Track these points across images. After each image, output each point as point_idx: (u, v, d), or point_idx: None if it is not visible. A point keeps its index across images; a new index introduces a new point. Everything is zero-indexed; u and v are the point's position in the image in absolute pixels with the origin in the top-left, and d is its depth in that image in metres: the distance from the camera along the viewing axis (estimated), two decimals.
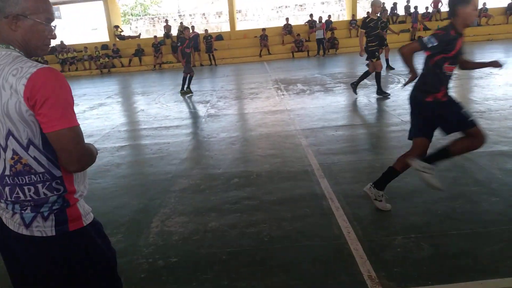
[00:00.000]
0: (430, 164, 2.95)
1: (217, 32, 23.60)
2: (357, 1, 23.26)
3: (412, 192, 3.57)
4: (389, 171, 3.16)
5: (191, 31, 19.75)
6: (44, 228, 1.32)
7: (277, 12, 34.39)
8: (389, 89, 8.83)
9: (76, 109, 1.30)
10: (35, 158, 1.29)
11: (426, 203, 3.28)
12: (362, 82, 8.37)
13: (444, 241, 2.71)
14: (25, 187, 1.31)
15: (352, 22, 21.17)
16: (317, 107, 7.50)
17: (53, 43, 1.48)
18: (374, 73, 7.98)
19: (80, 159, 1.30)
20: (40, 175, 1.30)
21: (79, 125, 1.29)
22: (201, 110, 8.41)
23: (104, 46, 21.92)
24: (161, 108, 8.90)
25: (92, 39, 28.63)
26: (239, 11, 31.69)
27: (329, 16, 22.17)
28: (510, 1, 20.97)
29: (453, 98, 2.99)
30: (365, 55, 8.08)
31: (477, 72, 10.11)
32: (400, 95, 7.85)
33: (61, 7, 24.53)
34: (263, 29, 21.06)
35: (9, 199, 1.34)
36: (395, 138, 5.27)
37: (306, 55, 19.94)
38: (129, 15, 41.25)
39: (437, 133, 3.08)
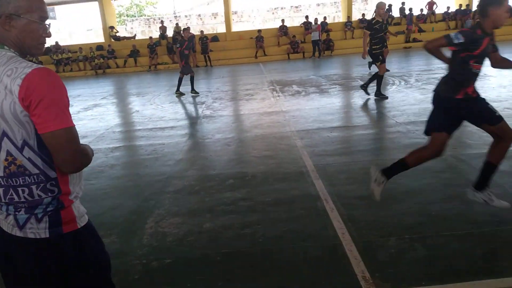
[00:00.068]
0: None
1: (212, 33, 23.59)
2: (353, 3, 23.36)
3: (406, 193, 3.58)
4: (400, 163, 3.09)
5: (188, 31, 19.86)
6: (38, 230, 1.31)
7: (273, 13, 34.44)
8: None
9: (71, 110, 1.29)
10: (29, 159, 1.27)
11: (420, 204, 3.30)
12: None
13: (437, 242, 2.72)
14: (19, 189, 1.29)
15: (348, 24, 21.25)
16: (312, 109, 7.51)
17: (48, 43, 1.46)
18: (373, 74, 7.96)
19: (76, 160, 1.29)
20: (35, 176, 1.29)
21: (74, 125, 1.28)
22: (197, 111, 8.41)
23: (99, 46, 21.84)
24: (156, 109, 8.88)
25: (87, 40, 28.56)
26: (235, 13, 31.70)
27: (325, 17, 22.22)
28: None
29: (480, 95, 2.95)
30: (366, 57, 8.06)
31: None
32: (395, 97, 7.88)
33: (56, 7, 24.44)
34: (259, 31, 21.08)
35: (2, 200, 1.32)
36: (390, 140, 5.30)
37: (302, 56, 19.98)
38: (124, 16, 41.14)
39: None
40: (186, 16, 35.30)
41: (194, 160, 5.04)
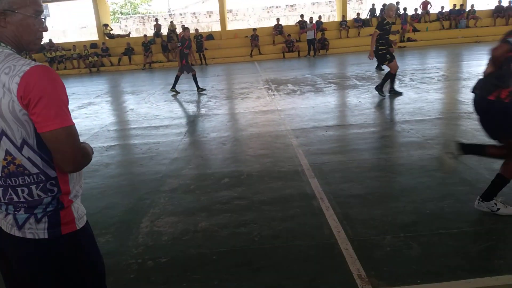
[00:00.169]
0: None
1: (207, 32, 23.52)
2: (347, 2, 23.41)
3: (401, 191, 3.60)
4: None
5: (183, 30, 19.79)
6: (37, 230, 1.30)
7: (268, 12, 34.43)
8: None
9: None
10: (29, 159, 1.26)
11: (415, 203, 3.31)
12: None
13: (433, 240, 2.73)
14: (18, 189, 1.28)
15: (342, 23, 21.29)
16: (308, 107, 7.52)
17: (42, 41, 1.42)
18: (374, 68, 7.85)
19: (76, 159, 1.27)
20: (34, 176, 1.27)
21: (74, 124, 1.26)
22: (192, 109, 8.38)
23: (93, 44, 21.72)
24: (151, 107, 8.84)
25: (81, 38, 28.38)
26: (230, 11, 31.65)
27: (320, 16, 22.25)
28: (498, 4, 21.28)
29: None
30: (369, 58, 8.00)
31: (465, 73, 10.25)
32: (390, 97, 7.90)
33: (50, 5, 24.23)
34: (254, 29, 21.07)
35: (2, 200, 1.31)
36: (385, 138, 5.31)
37: (297, 55, 19.99)
38: (118, 14, 40.92)
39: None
40: (181, 14, 35.20)
41: (190, 159, 5.02)
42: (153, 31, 22.43)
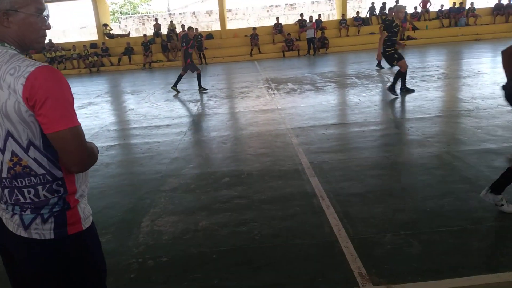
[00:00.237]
0: None
1: (207, 31, 23.50)
2: (347, 1, 23.37)
3: (401, 190, 3.60)
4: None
5: (183, 29, 19.76)
6: (43, 231, 1.29)
7: (268, 11, 34.39)
8: (378, 88, 8.90)
9: None
10: (35, 160, 1.25)
11: (415, 201, 3.31)
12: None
13: (433, 238, 2.73)
14: (25, 190, 1.28)
15: (342, 21, 21.28)
16: (308, 106, 7.52)
17: (45, 39, 1.42)
18: (383, 68, 7.76)
19: (82, 159, 1.27)
20: (41, 176, 1.27)
21: (80, 124, 1.26)
22: (192, 109, 8.38)
23: (93, 44, 21.71)
24: (151, 107, 8.84)
25: (80, 38, 28.37)
26: (230, 10, 31.63)
27: (319, 15, 22.23)
28: (497, 2, 21.26)
29: None
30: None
31: (465, 71, 10.24)
32: (389, 94, 7.90)
33: (50, 5, 24.23)
34: (254, 28, 21.05)
35: (8, 201, 1.31)
36: (385, 137, 5.31)
37: (297, 54, 19.98)
38: (118, 14, 40.91)
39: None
40: (180, 13, 35.16)
41: (190, 158, 5.02)
42: (153, 31, 22.42)
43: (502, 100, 6.48)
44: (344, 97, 8.43)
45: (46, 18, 1.34)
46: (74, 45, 21.19)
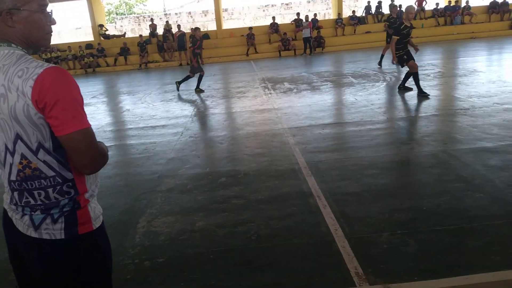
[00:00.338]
0: None
1: (203, 31, 23.45)
2: (343, 0, 23.39)
3: (397, 189, 3.61)
4: None
5: (179, 29, 19.73)
6: (53, 231, 1.28)
7: (264, 11, 34.38)
8: (375, 87, 8.91)
9: None
10: (45, 162, 1.24)
11: (412, 200, 3.32)
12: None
13: (429, 237, 2.74)
14: (35, 192, 1.27)
15: (338, 20, 21.30)
16: (304, 106, 7.52)
17: (51, 36, 1.38)
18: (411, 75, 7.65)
19: (94, 161, 1.26)
20: (51, 179, 1.26)
21: (90, 125, 1.25)
22: (188, 109, 8.36)
23: (89, 45, 21.62)
24: (147, 107, 8.82)
25: (76, 39, 28.26)
26: (225, 10, 31.59)
27: (315, 14, 22.23)
28: (492, 0, 21.35)
29: None
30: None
31: (461, 69, 10.27)
32: (385, 93, 7.91)
33: None
34: (250, 28, 21.03)
35: (18, 203, 1.30)
36: (381, 136, 5.32)
37: (293, 54, 19.97)
38: (113, 14, 40.79)
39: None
40: (176, 13, 35.08)
41: (186, 159, 5.01)
42: (149, 31, 22.36)
43: (497, 99, 6.52)
44: (341, 96, 8.44)
45: (50, 13, 1.31)
46: (69, 46, 21.09)
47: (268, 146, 5.20)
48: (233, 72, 15.23)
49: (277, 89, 9.73)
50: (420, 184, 3.63)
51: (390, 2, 21.43)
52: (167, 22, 23.29)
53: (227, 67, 17.04)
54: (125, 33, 26.69)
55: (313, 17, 21.29)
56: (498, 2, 21.22)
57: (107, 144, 5.97)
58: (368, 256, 2.57)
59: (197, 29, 10.92)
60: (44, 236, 1.28)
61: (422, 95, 7.33)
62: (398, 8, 14.65)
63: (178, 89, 10.54)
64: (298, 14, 22.17)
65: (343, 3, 23.26)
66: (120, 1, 42.95)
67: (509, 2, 21.05)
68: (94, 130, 1.29)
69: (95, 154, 1.26)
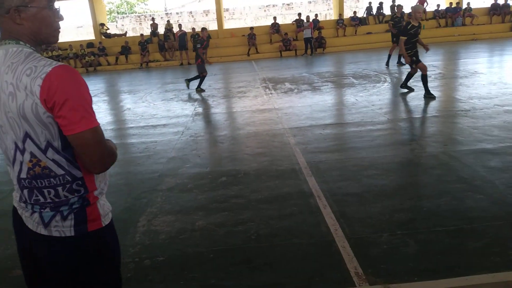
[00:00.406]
0: None
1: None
2: (344, 1, 23.39)
3: (398, 189, 3.61)
4: None
5: (180, 29, 19.74)
6: (63, 228, 1.29)
7: (265, 11, 34.38)
8: (375, 88, 8.91)
9: None
10: (54, 161, 1.24)
11: (412, 201, 3.32)
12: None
13: (429, 238, 2.74)
14: (45, 190, 1.27)
15: (339, 21, 21.29)
16: (305, 106, 7.52)
17: (60, 32, 1.37)
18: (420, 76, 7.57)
19: (102, 160, 1.26)
20: (60, 177, 1.26)
21: (99, 124, 1.25)
22: (189, 108, 8.37)
23: (90, 44, 21.63)
24: (148, 106, 8.83)
25: (77, 37, 28.26)
26: (227, 10, 31.59)
27: (316, 15, 22.23)
28: (493, 2, 21.35)
29: None
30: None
31: (462, 71, 10.27)
32: (386, 94, 7.92)
33: None
34: (251, 28, 21.03)
35: (28, 201, 1.30)
36: (382, 137, 5.32)
37: (294, 54, 19.97)
38: (115, 13, 40.81)
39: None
40: (177, 13, 35.09)
41: (187, 158, 5.02)
42: (150, 30, 22.36)
43: (498, 100, 6.52)
44: (341, 97, 8.44)
45: (58, 9, 1.30)
46: (70, 45, 21.11)
47: (268, 146, 5.20)
48: (234, 72, 15.23)
49: (278, 89, 9.73)
50: (421, 185, 3.64)
51: (392, 3, 21.48)
52: (168, 21, 23.30)
53: (228, 67, 17.04)
54: (126, 32, 26.67)
55: (314, 17, 21.28)
56: (499, 4, 21.21)
57: None
58: (368, 256, 2.57)
59: (204, 29, 11.06)
60: (54, 234, 1.29)
61: (429, 97, 7.30)
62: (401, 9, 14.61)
63: (187, 85, 10.70)
64: (299, 14, 22.17)
65: (344, 3, 23.25)
66: (121, 0, 42.97)
67: (510, 4, 21.05)
68: None
69: (104, 153, 1.26)
